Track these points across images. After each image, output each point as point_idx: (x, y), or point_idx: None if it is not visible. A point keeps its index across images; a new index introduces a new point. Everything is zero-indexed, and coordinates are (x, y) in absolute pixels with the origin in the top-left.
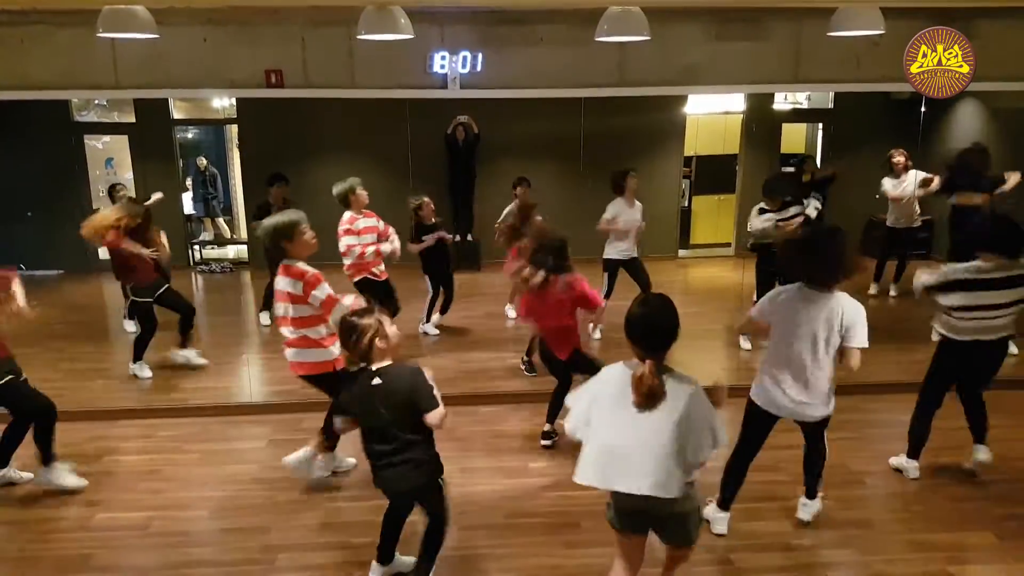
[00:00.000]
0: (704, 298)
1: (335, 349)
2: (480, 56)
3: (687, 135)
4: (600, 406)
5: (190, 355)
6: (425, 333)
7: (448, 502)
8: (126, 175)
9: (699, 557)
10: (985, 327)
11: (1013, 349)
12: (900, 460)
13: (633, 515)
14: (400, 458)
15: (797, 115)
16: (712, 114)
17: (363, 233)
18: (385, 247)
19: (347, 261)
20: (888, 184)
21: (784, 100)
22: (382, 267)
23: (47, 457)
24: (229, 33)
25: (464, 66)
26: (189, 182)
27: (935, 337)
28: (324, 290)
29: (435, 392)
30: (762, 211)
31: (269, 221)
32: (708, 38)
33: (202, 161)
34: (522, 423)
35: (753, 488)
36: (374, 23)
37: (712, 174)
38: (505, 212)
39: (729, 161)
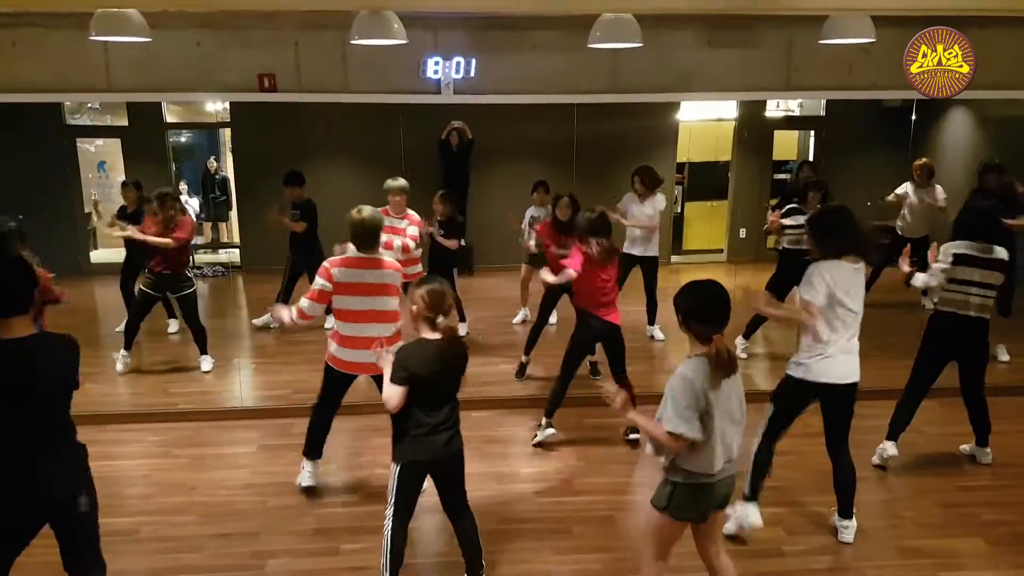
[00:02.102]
0: None
1: None
2: (474, 61)
3: (680, 141)
4: (707, 399)
5: (205, 363)
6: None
7: None
8: (118, 178)
9: (690, 564)
10: (976, 304)
11: (1004, 356)
12: (880, 448)
13: (724, 484)
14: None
15: (789, 122)
16: (705, 121)
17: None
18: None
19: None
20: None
21: (776, 107)
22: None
23: None
24: (222, 37)
25: (458, 71)
26: (183, 185)
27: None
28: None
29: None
30: (793, 211)
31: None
32: (700, 45)
33: (212, 164)
34: (514, 428)
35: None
36: (367, 28)
37: (705, 180)
38: (528, 216)
39: (722, 168)
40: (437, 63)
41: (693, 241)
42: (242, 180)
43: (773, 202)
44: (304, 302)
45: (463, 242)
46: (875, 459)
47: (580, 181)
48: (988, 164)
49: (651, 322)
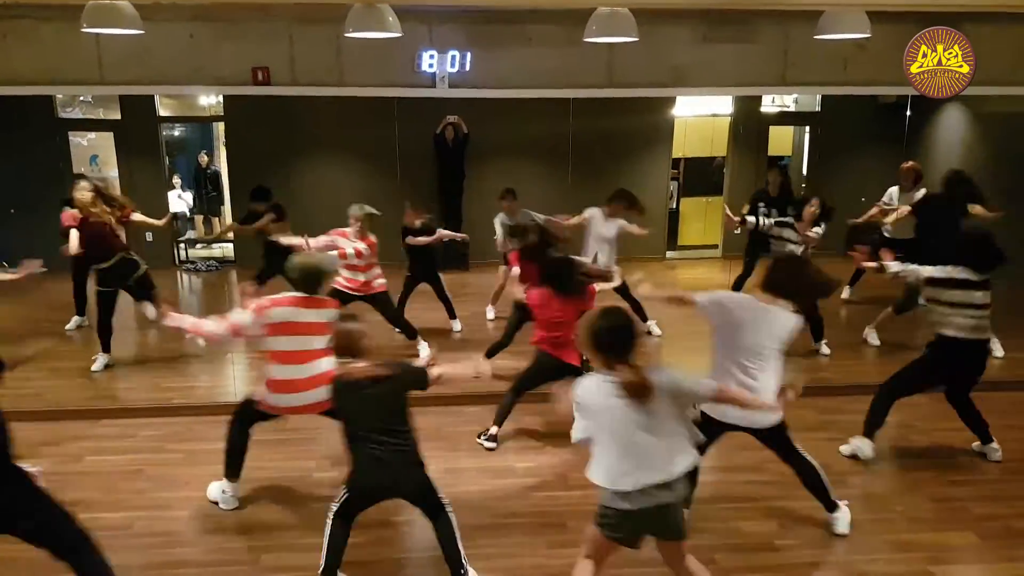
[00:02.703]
0: None
1: None
2: (469, 55)
3: (675, 137)
4: (598, 417)
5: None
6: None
7: None
8: (111, 172)
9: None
10: (982, 326)
11: (999, 351)
12: (855, 442)
13: (643, 516)
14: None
15: (784, 118)
16: (700, 116)
17: None
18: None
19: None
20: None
21: (771, 103)
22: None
23: None
24: (216, 29)
25: (452, 65)
26: (177, 179)
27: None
28: None
29: None
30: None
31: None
32: (696, 40)
33: (204, 158)
34: (509, 423)
35: (736, 488)
36: (362, 21)
37: (700, 176)
38: (498, 225)
39: (717, 163)
40: (432, 57)
41: (688, 237)
42: (235, 174)
43: (745, 209)
44: (245, 315)
45: (461, 237)
46: (846, 450)
47: (575, 176)
48: (957, 175)
49: (643, 319)
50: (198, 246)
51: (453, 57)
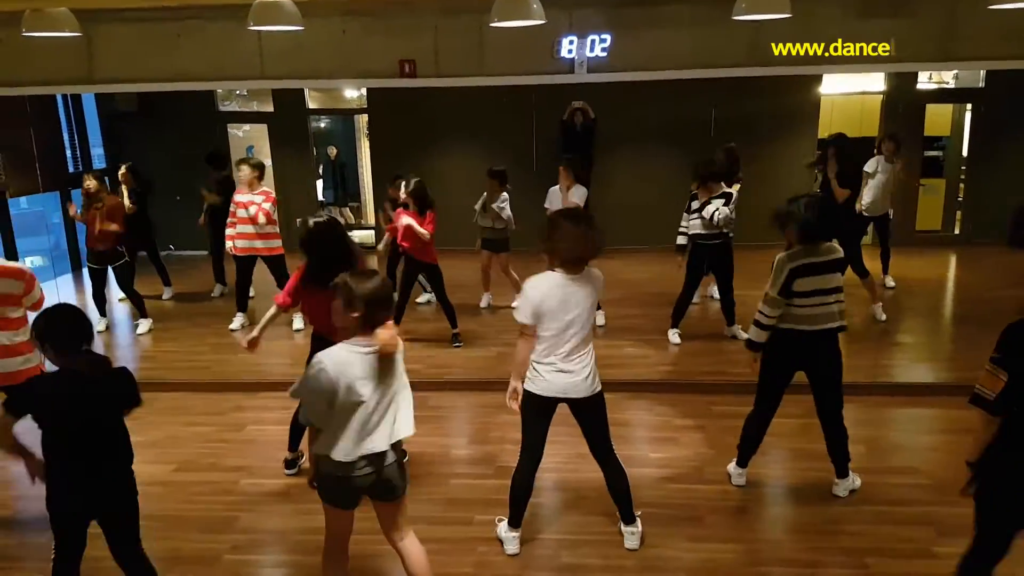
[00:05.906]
0: None
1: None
2: (608, 39)
3: (821, 116)
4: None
5: (142, 326)
6: None
7: None
8: (266, 162)
9: (833, 559)
10: (826, 313)
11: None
12: (730, 467)
13: (362, 484)
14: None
15: (943, 95)
16: (849, 94)
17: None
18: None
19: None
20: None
21: (928, 79)
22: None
23: None
24: (366, 24)
25: (592, 50)
26: (321, 170)
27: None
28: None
29: None
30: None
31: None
32: (850, 14)
33: (332, 150)
34: (640, 412)
35: (889, 491)
36: (507, 10)
37: (847, 157)
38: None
39: (867, 144)
40: (572, 42)
41: None
42: (377, 164)
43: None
44: None
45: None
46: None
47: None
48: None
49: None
50: None
51: (592, 42)
